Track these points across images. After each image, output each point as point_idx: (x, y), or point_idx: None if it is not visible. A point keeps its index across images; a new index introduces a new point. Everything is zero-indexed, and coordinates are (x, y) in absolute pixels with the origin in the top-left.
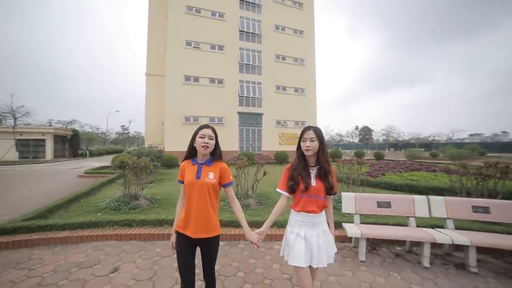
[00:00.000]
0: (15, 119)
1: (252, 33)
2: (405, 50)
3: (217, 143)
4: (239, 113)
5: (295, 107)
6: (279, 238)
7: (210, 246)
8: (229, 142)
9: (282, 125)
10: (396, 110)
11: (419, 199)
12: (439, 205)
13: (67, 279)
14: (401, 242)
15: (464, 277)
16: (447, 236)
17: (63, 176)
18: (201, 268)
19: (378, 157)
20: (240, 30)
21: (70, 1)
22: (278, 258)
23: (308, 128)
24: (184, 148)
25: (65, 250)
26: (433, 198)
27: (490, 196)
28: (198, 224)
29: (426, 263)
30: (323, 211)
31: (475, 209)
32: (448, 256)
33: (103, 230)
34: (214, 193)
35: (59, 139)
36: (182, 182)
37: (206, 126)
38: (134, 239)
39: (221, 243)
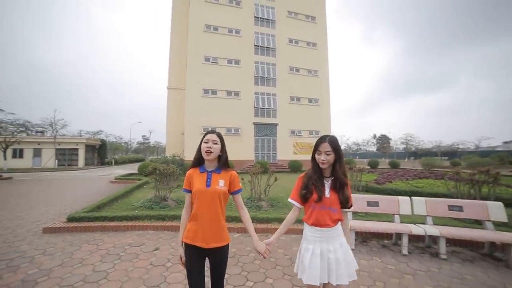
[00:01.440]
0: (56, 131)
1: (266, 47)
2: (424, 55)
3: (223, 148)
4: (254, 123)
5: (309, 117)
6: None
7: (221, 256)
8: (245, 152)
9: (297, 134)
10: (417, 117)
11: (403, 199)
12: (420, 205)
13: (124, 252)
14: (389, 236)
15: (434, 262)
16: (421, 229)
17: (98, 182)
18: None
19: (394, 165)
20: (255, 45)
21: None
22: (282, 245)
23: (323, 140)
24: None
25: (116, 235)
26: (415, 198)
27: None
28: (211, 233)
29: (404, 251)
30: (338, 224)
31: (451, 208)
32: (427, 248)
33: (142, 222)
34: (224, 201)
35: (89, 148)
36: (189, 191)
37: (211, 132)
38: (167, 230)
39: (237, 235)
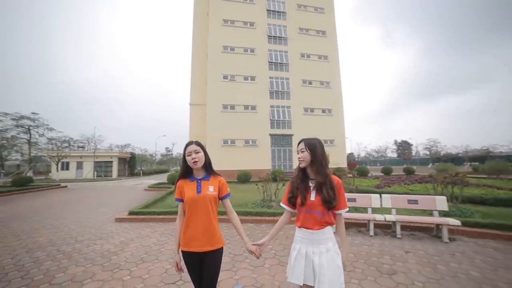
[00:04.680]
0: (96, 146)
1: (280, 63)
2: (450, 54)
3: (205, 154)
4: (270, 135)
5: (323, 127)
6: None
7: (213, 259)
8: (262, 162)
9: None
10: (446, 120)
11: (374, 196)
12: (387, 200)
13: (174, 232)
14: (365, 225)
15: (390, 239)
16: (382, 216)
17: (134, 190)
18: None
19: (408, 172)
20: (269, 62)
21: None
22: (282, 231)
23: (300, 141)
24: (222, 167)
25: (164, 224)
26: (384, 195)
27: (451, 200)
28: (204, 237)
29: (371, 233)
30: (327, 228)
31: (409, 201)
32: (393, 232)
33: None
34: (215, 206)
35: (121, 160)
36: (181, 200)
37: (189, 144)
38: None
39: (250, 224)
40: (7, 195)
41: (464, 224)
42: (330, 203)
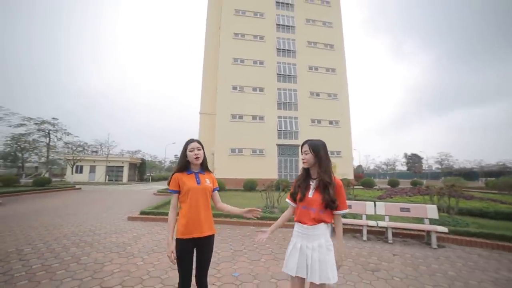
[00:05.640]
0: (109, 150)
1: (288, 75)
2: (466, 65)
3: (203, 154)
4: (278, 145)
5: (330, 138)
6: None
7: (208, 244)
8: (269, 171)
9: None
10: (464, 133)
11: (368, 203)
12: (381, 207)
13: None
14: (360, 231)
15: (381, 244)
16: (375, 222)
17: (143, 194)
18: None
19: (415, 184)
20: (277, 73)
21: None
22: (281, 233)
23: (304, 142)
24: (229, 175)
25: None
26: (378, 203)
27: (448, 211)
28: (206, 223)
29: (364, 237)
30: (320, 224)
31: (402, 209)
32: (385, 238)
33: None
34: (210, 196)
35: (131, 166)
36: (177, 191)
37: (192, 141)
38: None
39: (252, 227)
40: (30, 194)
41: (454, 232)
42: (333, 202)
